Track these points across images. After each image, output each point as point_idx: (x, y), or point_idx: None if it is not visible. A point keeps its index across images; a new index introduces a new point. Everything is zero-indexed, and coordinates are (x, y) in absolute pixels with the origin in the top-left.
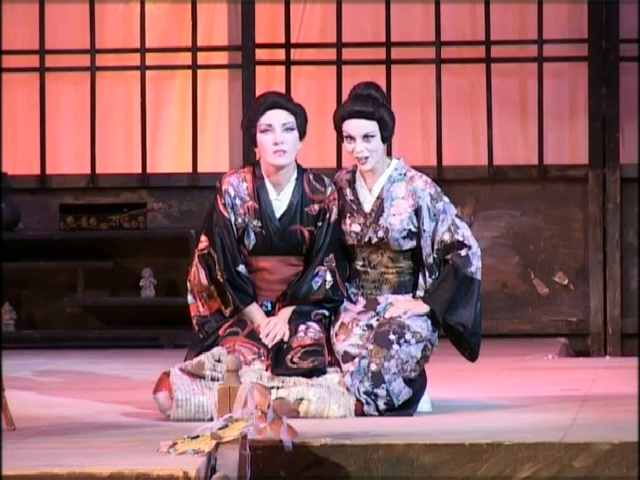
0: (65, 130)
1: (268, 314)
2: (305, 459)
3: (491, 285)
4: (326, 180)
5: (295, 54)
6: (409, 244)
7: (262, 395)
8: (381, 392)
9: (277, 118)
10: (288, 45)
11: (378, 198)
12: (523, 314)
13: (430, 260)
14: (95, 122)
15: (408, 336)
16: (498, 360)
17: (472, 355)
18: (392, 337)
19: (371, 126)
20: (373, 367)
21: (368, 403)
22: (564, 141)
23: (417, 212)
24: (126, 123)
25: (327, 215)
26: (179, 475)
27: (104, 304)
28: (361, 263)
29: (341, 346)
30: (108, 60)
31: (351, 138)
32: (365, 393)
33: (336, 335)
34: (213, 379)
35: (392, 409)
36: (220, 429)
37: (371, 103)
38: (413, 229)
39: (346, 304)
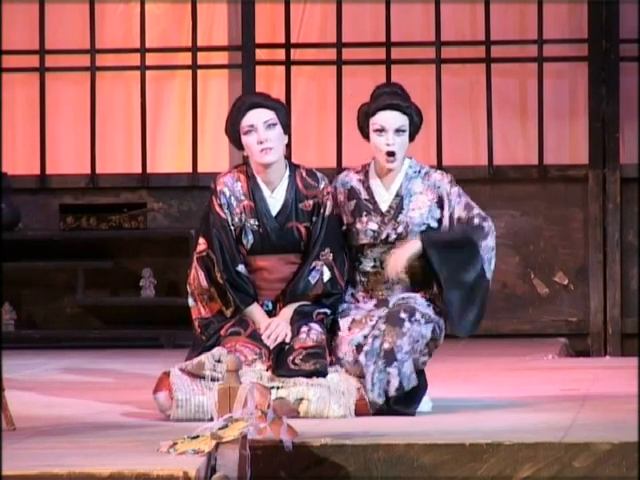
0: (65, 130)
1: (269, 313)
2: (305, 459)
3: (491, 285)
4: (319, 175)
5: (295, 54)
6: None
7: (262, 395)
8: (393, 371)
9: (258, 117)
10: (288, 45)
11: (397, 196)
12: (523, 314)
13: None
14: (95, 122)
15: (418, 316)
16: (498, 360)
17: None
18: (403, 315)
19: (404, 120)
20: (386, 345)
21: (379, 393)
22: (564, 141)
23: (439, 202)
24: (126, 123)
25: (321, 210)
26: (179, 475)
27: (104, 304)
28: (372, 264)
29: (355, 338)
30: (108, 60)
31: (383, 130)
32: (379, 372)
33: (349, 329)
34: (213, 379)
35: (401, 397)
36: (220, 429)
37: (406, 99)
38: (432, 224)
39: (356, 304)
